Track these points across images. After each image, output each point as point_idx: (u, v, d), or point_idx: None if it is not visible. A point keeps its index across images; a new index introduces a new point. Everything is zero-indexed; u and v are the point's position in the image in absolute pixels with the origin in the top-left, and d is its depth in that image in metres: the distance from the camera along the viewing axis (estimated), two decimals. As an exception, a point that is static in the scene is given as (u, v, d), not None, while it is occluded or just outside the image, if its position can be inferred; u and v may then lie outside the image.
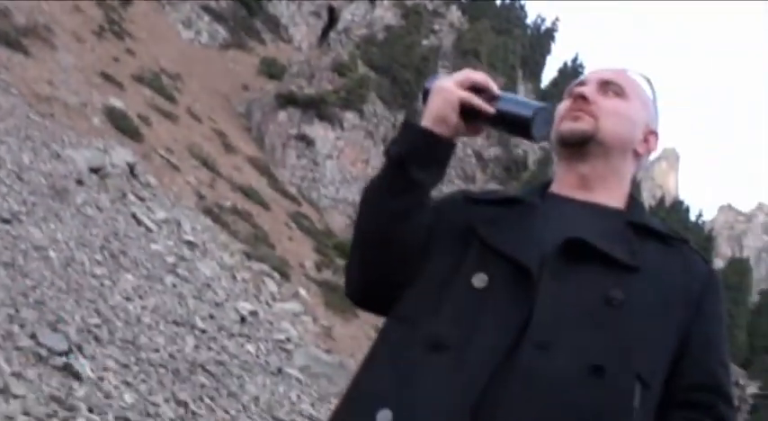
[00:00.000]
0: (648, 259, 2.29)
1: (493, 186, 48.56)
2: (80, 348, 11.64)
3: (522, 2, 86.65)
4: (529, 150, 62.04)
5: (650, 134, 2.57)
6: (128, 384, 11.77)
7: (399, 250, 2.26)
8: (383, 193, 2.25)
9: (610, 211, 2.41)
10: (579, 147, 2.45)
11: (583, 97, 2.48)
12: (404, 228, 2.24)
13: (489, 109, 2.25)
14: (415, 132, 2.25)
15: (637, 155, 2.54)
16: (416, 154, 2.21)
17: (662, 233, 2.39)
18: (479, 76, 2.29)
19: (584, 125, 2.43)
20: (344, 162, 48.43)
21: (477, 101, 2.25)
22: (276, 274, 27.58)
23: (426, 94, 2.35)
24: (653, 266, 2.28)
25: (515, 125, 2.29)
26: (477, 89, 2.28)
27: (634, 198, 2.52)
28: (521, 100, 2.33)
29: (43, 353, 10.80)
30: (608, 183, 2.47)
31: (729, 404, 2.31)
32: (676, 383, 2.25)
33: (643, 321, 2.20)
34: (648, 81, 2.65)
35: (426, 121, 2.25)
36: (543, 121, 2.30)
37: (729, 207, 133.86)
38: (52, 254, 14.69)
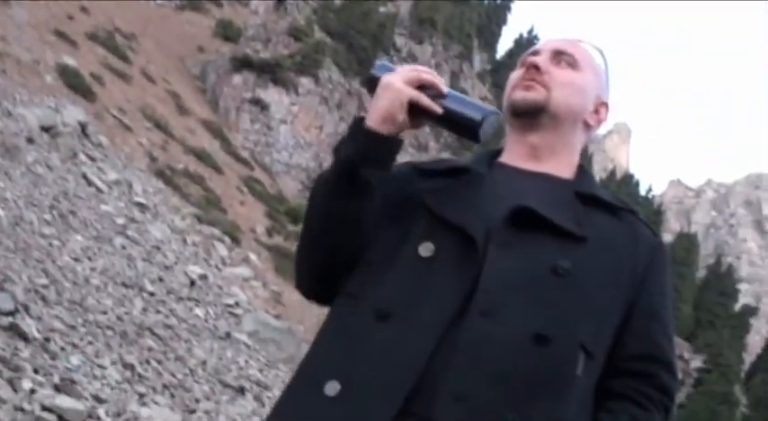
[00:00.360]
0: (596, 229, 2.28)
1: (446, 155, 48.67)
2: (27, 308, 11.53)
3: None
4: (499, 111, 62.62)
5: (601, 105, 2.56)
6: (74, 346, 11.69)
7: (351, 244, 2.25)
8: (334, 194, 2.23)
9: (559, 182, 2.41)
10: (531, 117, 2.44)
11: (536, 67, 2.46)
12: (355, 226, 2.23)
13: (438, 109, 2.24)
14: (365, 135, 2.22)
15: (587, 126, 2.54)
16: (367, 157, 2.19)
17: (610, 203, 2.39)
18: (428, 75, 2.27)
19: (536, 95, 2.43)
20: (298, 127, 48.40)
21: (426, 101, 2.23)
22: (227, 239, 27.56)
23: (372, 81, 2.32)
24: (601, 236, 2.27)
25: (462, 126, 2.27)
26: (425, 86, 2.26)
27: (583, 168, 2.52)
28: (468, 100, 2.31)
29: (-12, 312, 10.70)
30: (558, 153, 2.47)
31: (672, 374, 2.32)
32: (620, 353, 2.25)
33: (589, 291, 2.20)
34: (601, 52, 2.64)
35: (374, 119, 2.22)
36: (490, 125, 2.29)
37: (679, 182, 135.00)
38: (0, 212, 14.54)
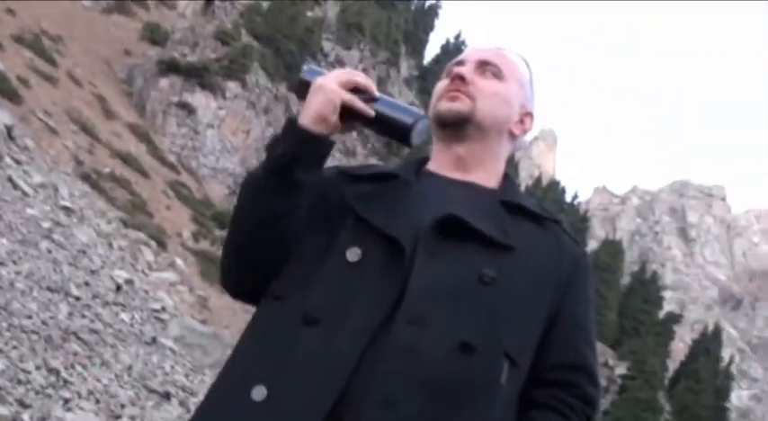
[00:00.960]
0: (521, 238, 2.31)
1: (373, 161, 48.68)
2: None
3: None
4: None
5: (526, 115, 2.59)
6: (-1, 350, 11.61)
7: (279, 244, 2.27)
8: (264, 193, 2.25)
9: (485, 191, 2.43)
10: (457, 127, 2.46)
11: (461, 78, 2.49)
12: (285, 225, 2.26)
13: (370, 112, 2.27)
14: (298, 135, 2.23)
15: (512, 135, 2.57)
16: (300, 157, 2.21)
17: (535, 213, 2.42)
18: (361, 78, 2.30)
19: (461, 106, 2.46)
20: (225, 132, 48.17)
21: (359, 104, 2.26)
22: (153, 243, 27.35)
23: (302, 85, 2.35)
24: (526, 245, 2.31)
25: (394, 130, 2.31)
26: (357, 90, 2.29)
27: (509, 178, 2.55)
28: (400, 105, 2.35)
29: None
30: (484, 163, 2.50)
31: (594, 384, 2.36)
32: (544, 361, 2.29)
33: (514, 299, 2.23)
34: (525, 61, 2.67)
35: (306, 120, 2.24)
36: (422, 129, 2.32)
37: (604, 189, 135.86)
38: None
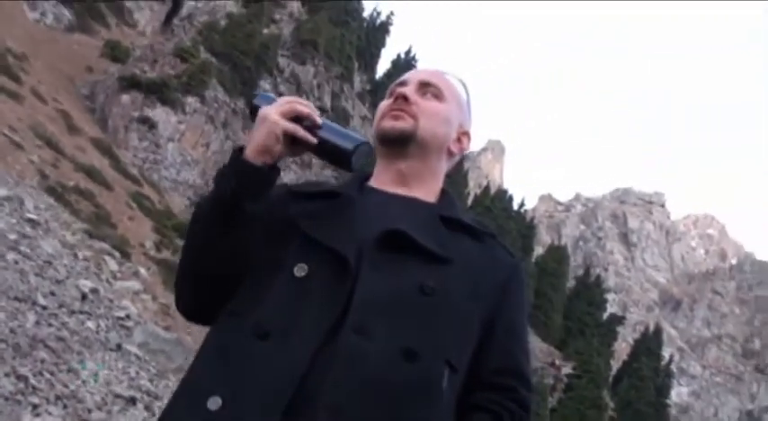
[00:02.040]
0: (459, 251, 2.34)
1: (328, 173, 48.73)
2: None
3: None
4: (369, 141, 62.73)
5: (463, 135, 2.64)
6: (-32, 359, 11.52)
7: (229, 271, 2.28)
8: (213, 222, 2.27)
9: (424, 206, 2.46)
10: (399, 145, 2.50)
11: (404, 98, 2.53)
12: (233, 250, 2.27)
13: (312, 140, 2.29)
14: (243, 168, 2.25)
15: (450, 154, 2.61)
16: (244, 190, 2.23)
17: (471, 227, 2.46)
18: (302, 107, 2.31)
19: (404, 124, 2.49)
20: (185, 145, 48.10)
21: (300, 132, 2.28)
22: (117, 253, 27.23)
23: (252, 110, 2.37)
24: (463, 258, 2.33)
25: (336, 155, 2.32)
26: (300, 117, 2.30)
27: (447, 193, 2.58)
28: (342, 131, 2.36)
29: None
30: (423, 179, 2.53)
31: (528, 387, 2.39)
32: (481, 367, 2.31)
33: (453, 309, 2.25)
34: (463, 84, 2.72)
35: (251, 152, 2.26)
36: (362, 154, 2.34)
37: (549, 197, 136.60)
38: None
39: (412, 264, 2.25)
